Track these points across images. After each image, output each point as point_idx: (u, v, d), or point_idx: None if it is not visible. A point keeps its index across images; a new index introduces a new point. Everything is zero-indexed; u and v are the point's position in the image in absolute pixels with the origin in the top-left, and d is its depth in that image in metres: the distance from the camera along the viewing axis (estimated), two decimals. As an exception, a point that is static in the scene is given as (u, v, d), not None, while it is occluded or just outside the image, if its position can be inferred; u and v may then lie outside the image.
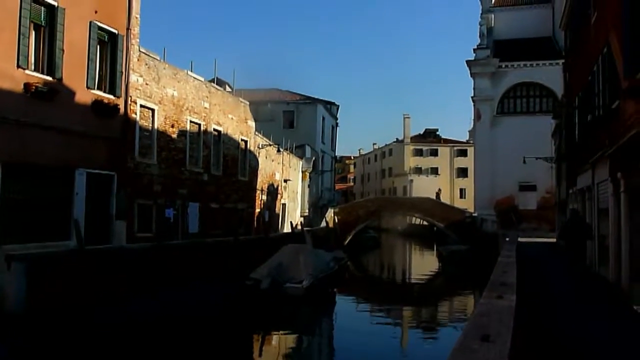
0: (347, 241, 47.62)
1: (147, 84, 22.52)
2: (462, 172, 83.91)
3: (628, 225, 12.58)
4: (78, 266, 15.80)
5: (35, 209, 16.94)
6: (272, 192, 37.82)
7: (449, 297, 29.43)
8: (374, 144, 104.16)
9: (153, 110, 22.94)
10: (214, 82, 30.33)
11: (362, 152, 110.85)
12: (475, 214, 46.21)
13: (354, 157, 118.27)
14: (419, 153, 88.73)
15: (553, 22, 46.83)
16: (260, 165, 34.98)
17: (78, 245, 16.37)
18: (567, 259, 18.09)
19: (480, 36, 48.14)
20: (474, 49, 47.65)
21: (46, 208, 17.36)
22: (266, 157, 36.38)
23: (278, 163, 39.28)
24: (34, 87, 16.57)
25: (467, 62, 47.00)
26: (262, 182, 35.35)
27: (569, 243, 17.64)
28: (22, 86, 16.34)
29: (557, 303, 11.99)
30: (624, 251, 12.81)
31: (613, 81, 13.31)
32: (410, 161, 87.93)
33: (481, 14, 50.13)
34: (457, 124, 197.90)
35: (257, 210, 34.24)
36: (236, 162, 31.09)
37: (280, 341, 18.69)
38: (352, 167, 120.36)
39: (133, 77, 21.56)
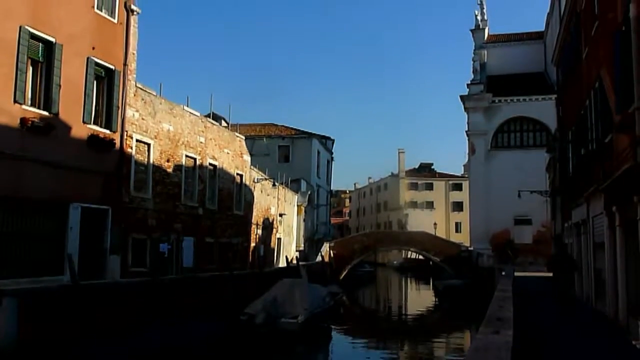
0: (342, 275, 47.35)
1: (143, 119, 22.63)
2: (458, 206, 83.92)
3: (624, 259, 12.54)
4: (71, 301, 15.60)
5: (29, 243, 16.82)
6: (268, 226, 37.71)
7: (446, 332, 29.15)
8: (369, 177, 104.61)
9: (149, 145, 23.00)
10: (210, 117, 30.49)
11: (358, 186, 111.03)
12: (471, 248, 46.09)
13: (349, 191, 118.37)
14: (414, 187, 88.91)
15: (545, 57, 47.49)
16: (255, 200, 34.95)
17: (72, 280, 16.19)
18: (556, 291, 18.56)
19: (473, 72, 48.73)
20: (468, 84, 48.18)
21: (40, 242, 17.24)
22: (262, 191, 36.38)
23: (273, 197, 39.26)
24: (30, 122, 16.62)
25: (461, 97, 47.49)
26: (257, 216, 35.28)
27: (556, 275, 18.57)
28: (18, 121, 16.39)
29: (556, 338, 11.88)
30: (621, 285, 12.75)
31: (605, 115, 13.43)
32: (406, 195, 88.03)
33: (474, 50, 50.84)
34: (452, 157, 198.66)
35: (253, 244, 34.09)
36: (231, 196, 31.07)
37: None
38: (347, 201, 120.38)
39: (129, 112, 21.67)
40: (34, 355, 13.75)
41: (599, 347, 11.30)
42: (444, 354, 23.80)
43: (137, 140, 22.23)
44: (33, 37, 17.10)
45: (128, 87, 21.54)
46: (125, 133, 21.38)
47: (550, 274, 19.93)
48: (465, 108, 47.46)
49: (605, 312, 14.61)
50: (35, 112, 17.06)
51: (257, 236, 35.16)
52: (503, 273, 25.56)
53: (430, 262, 54.35)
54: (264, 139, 50.71)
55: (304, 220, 48.99)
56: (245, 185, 33.22)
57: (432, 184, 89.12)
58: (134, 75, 21.99)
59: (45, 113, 17.45)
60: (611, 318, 13.74)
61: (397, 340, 26.41)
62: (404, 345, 25.55)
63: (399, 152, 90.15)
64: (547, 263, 21.59)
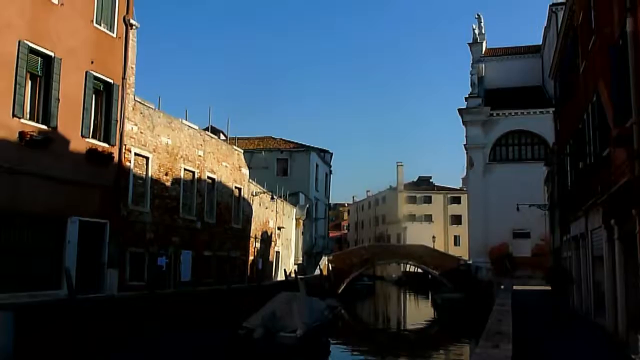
0: (341, 289, 47.19)
1: (141, 133, 22.65)
2: (456, 220, 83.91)
3: (623, 273, 12.51)
4: (68, 316, 15.52)
5: (26, 257, 16.77)
6: (266, 239, 37.64)
7: (445, 346, 28.99)
8: (367, 190, 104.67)
9: (147, 159, 23.01)
10: (208, 130, 30.55)
11: (356, 199, 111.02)
12: (470, 262, 45.99)
13: (347, 204, 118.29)
14: (412, 200, 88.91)
15: (542, 71, 47.71)
16: (254, 213, 34.92)
17: (69, 294, 16.11)
18: (551, 304, 19.10)
19: (471, 85, 48.90)
20: (466, 98, 48.32)
21: (37, 256, 17.19)
22: (260, 205, 36.34)
23: (272, 211, 39.22)
24: (28, 136, 16.62)
25: (459, 110, 47.61)
26: (255, 229, 35.22)
27: (553, 287, 19.55)
28: (17, 135, 16.39)
29: (555, 352, 11.82)
30: (620, 299, 12.71)
31: (603, 129, 13.46)
32: (404, 208, 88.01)
33: (472, 63, 51.05)
34: (451, 171, 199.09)
35: (251, 258, 34.01)
36: (230, 210, 31.03)
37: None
38: (346, 214, 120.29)
39: (128, 126, 21.69)
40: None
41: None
42: (443, 368, 23.67)
43: (136, 154, 22.23)
44: (32, 51, 17.15)
45: (127, 101, 21.59)
46: (124, 147, 21.39)
47: (549, 287, 20.54)
48: (463, 121, 47.58)
49: (604, 326, 14.55)
50: (33, 126, 17.07)
51: (256, 249, 35.09)
52: (502, 287, 25.51)
53: (429, 276, 54.20)
54: (263, 153, 50.83)
55: (303, 233, 48.92)
56: (244, 198, 33.20)
57: (430, 197, 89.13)
58: (133, 89, 22.05)
59: (44, 127, 17.46)
60: (610, 332, 13.68)
61: (396, 354, 26.28)
62: (403, 359, 25.39)
63: (397, 166, 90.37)
64: (546, 276, 22.26)
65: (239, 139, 36.16)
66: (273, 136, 57.49)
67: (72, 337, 15.39)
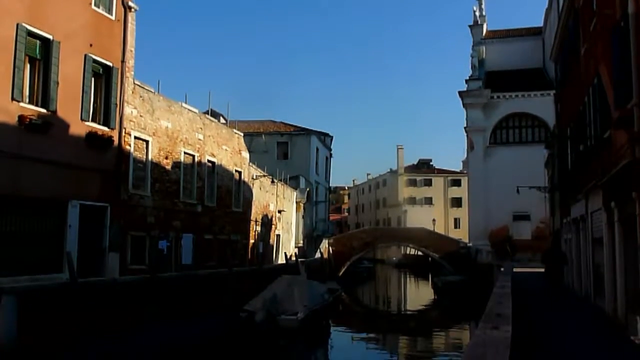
0: (341, 272, 47.40)
1: (141, 116, 22.60)
2: (456, 202, 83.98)
3: (623, 255, 12.55)
4: (70, 299, 15.60)
5: (27, 241, 16.82)
6: (266, 223, 37.71)
7: (445, 328, 29.20)
8: (367, 174, 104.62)
9: (147, 142, 22.97)
10: (208, 114, 30.46)
11: (356, 183, 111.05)
12: (470, 244, 46.14)
13: (348, 187, 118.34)
14: (412, 183, 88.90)
15: (543, 53, 47.48)
16: (254, 197, 34.95)
17: (70, 278, 16.18)
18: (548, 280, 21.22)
19: (472, 67, 48.75)
20: (466, 80, 48.18)
21: (38, 240, 17.24)
22: (260, 188, 36.36)
23: (272, 194, 39.25)
24: (28, 120, 16.59)
25: (460, 93, 47.50)
26: (256, 213, 35.27)
27: (548, 267, 21.48)
28: (16, 119, 16.35)
29: (555, 334, 11.90)
30: (619, 281, 12.76)
31: (604, 111, 13.43)
32: (404, 191, 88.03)
33: (473, 46, 50.84)
34: (451, 154, 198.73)
35: (251, 241, 34.09)
36: (230, 194, 31.06)
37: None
38: (346, 197, 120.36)
39: (127, 110, 21.63)
40: (33, 353, 13.74)
41: (598, 342, 11.32)
42: (443, 349, 23.85)
43: (136, 138, 22.20)
44: (30, 34, 17.04)
45: (126, 85, 21.51)
46: (124, 130, 21.35)
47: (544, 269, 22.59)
48: (463, 104, 47.47)
49: (604, 308, 14.63)
50: (33, 109, 17.03)
51: (256, 233, 35.17)
52: (502, 269, 25.60)
53: (429, 259, 54.45)
54: (263, 136, 50.69)
55: (303, 217, 48.99)
56: (244, 182, 33.21)
57: (430, 180, 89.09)
58: (132, 73, 21.95)
59: (43, 111, 17.41)
60: (610, 314, 13.76)
61: (396, 337, 26.47)
62: (403, 341, 25.58)
63: (397, 149, 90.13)
64: (541, 257, 24.39)
65: (239, 122, 36.07)
66: (273, 120, 57.33)
67: (75, 320, 15.49)
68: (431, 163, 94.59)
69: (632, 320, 11.64)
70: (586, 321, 14.29)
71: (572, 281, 21.31)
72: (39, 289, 14.96)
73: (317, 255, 44.99)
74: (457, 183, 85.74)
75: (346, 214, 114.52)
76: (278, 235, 40.89)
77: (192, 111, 26.95)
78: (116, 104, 20.88)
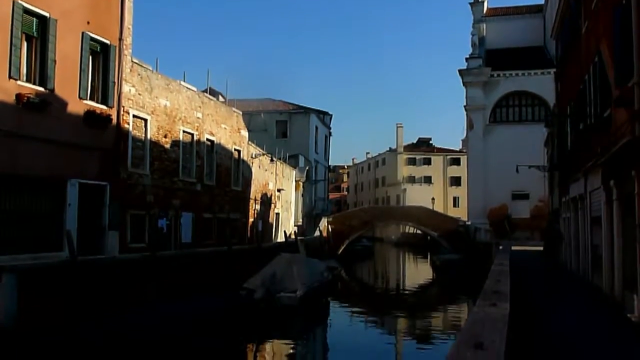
0: (340, 251, 47.57)
1: (139, 95, 22.49)
2: (456, 181, 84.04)
3: (621, 234, 12.59)
4: (70, 278, 15.67)
5: (27, 220, 16.84)
6: (266, 201, 37.77)
7: (443, 306, 29.38)
8: (367, 153, 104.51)
9: (146, 121, 22.90)
10: (207, 92, 30.34)
11: (356, 162, 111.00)
12: (469, 223, 46.25)
13: (347, 166, 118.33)
14: (412, 162, 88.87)
15: (544, 31, 47.17)
16: (253, 175, 34.95)
17: (70, 256, 16.24)
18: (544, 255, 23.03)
19: (472, 46, 48.40)
20: (466, 58, 47.90)
21: (38, 219, 17.26)
22: (259, 167, 36.35)
23: (271, 173, 39.25)
24: (25, 98, 16.51)
25: (460, 71, 47.25)
26: (255, 192, 35.30)
27: (546, 243, 23.44)
28: (13, 97, 16.28)
29: (552, 311, 11.98)
30: (617, 259, 12.82)
31: (604, 90, 13.37)
32: (404, 170, 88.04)
33: (473, 23, 50.45)
34: (450, 132, 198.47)
35: (251, 220, 34.18)
36: (229, 172, 31.05)
37: (274, 351, 18.60)
38: (345, 176, 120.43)
39: (125, 88, 21.52)
40: (34, 331, 13.83)
41: (595, 320, 11.39)
42: (441, 326, 24.04)
43: (134, 116, 22.11)
44: (27, 11, 16.89)
45: (124, 63, 21.37)
46: (122, 109, 21.26)
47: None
48: (463, 82, 47.25)
49: (601, 286, 14.71)
50: (30, 88, 16.94)
51: (256, 211, 35.23)
52: (500, 247, 25.69)
53: (428, 237, 54.63)
54: (262, 115, 50.50)
55: (302, 195, 49.06)
56: (243, 160, 33.18)
57: (430, 159, 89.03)
58: (130, 50, 21.80)
59: (41, 89, 17.33)
60: (607, 292, 13.84)
61: (395, 314, 26.63)
62: (402, 319, 25.76)
63: (397, 127, 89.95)
64: (540, 234, 26.45)
65: (237, 101, 35.86)
66: (272, 98, 57.05)
67: (75, 298, 15.57)
68: (431, 142, 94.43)
69: (629, 298, 11.72)
70: (583, 299, 14.37)
71: (570, 259, 21.40)
72: (40, 267, 15.03)
73: (317, 233, 45.13)
74: (456, 162, 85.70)
75: (345, 192, 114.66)
76: (277, 214, 40.98)
77: (191, 89, 26.83)
78: (114, 82, 20.77)
